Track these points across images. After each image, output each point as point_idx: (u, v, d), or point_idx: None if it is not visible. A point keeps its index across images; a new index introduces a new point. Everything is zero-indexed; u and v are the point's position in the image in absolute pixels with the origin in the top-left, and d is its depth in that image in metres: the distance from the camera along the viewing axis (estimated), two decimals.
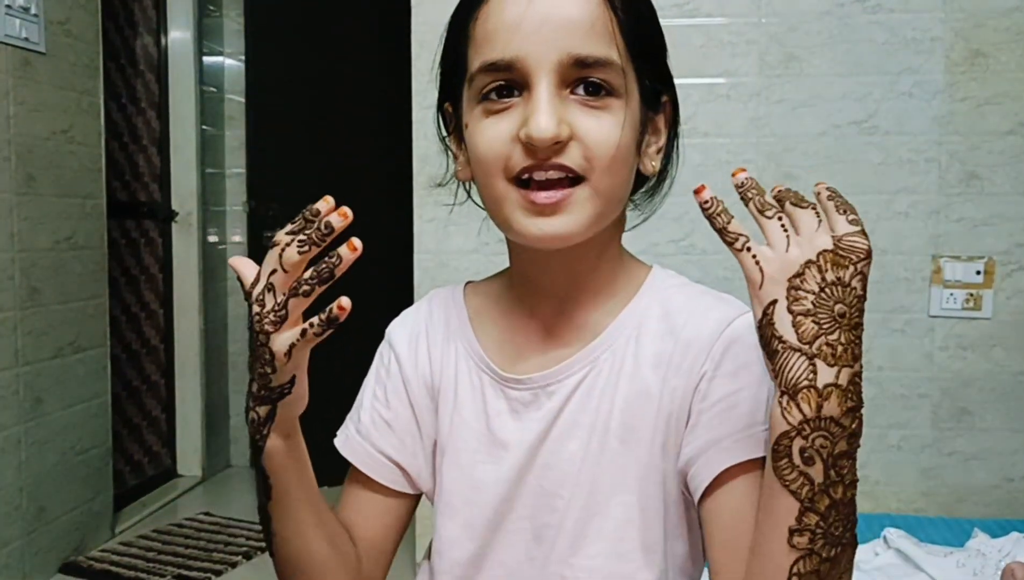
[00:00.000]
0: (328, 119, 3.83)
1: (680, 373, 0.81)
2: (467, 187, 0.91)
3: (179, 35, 3.84)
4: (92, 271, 3.02)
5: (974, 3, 2.26)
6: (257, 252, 4.01)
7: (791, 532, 0.64)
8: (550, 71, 0.75)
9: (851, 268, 0.62)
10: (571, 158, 0.75)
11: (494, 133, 0.77)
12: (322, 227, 0.66)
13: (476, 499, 0.87)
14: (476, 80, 0.78)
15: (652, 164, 0.85)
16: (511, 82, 0.77)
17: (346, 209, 0.66)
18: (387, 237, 2.74)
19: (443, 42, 0.87)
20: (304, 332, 0.68)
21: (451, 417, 0.89)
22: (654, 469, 0.81)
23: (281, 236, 0.68)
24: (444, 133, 0.90)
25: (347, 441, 0.93)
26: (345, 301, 0.65)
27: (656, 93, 0.84)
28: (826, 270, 0.62)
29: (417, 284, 2.40)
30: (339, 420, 0.97)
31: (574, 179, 0.76)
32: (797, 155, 2.31)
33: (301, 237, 0.67)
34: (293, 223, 0.68)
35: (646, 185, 0.89)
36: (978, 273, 2.29)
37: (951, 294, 2.31)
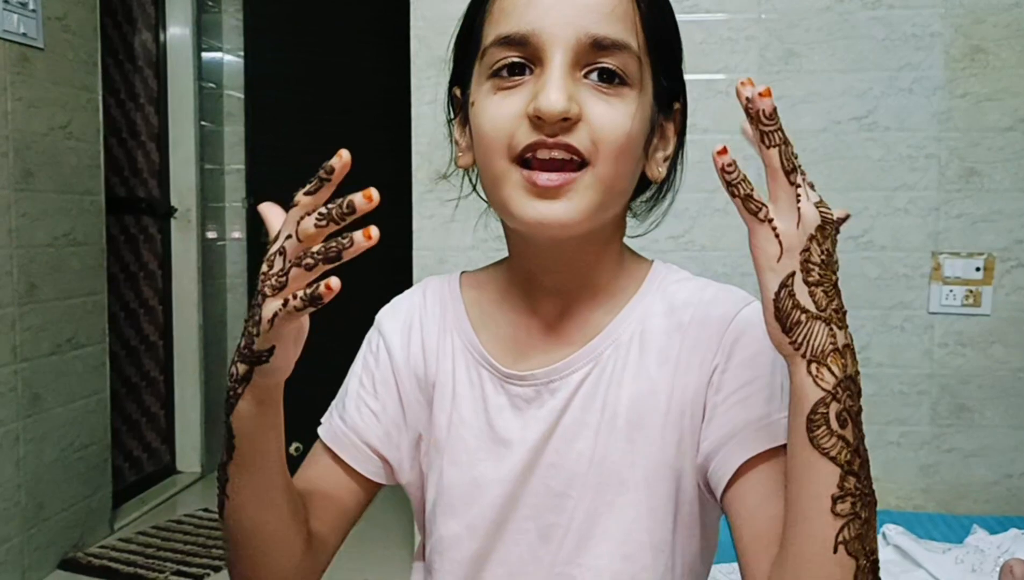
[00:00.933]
0: (327, 115, 3.82)
1: (691, 369, 0.80)
2: (472, 179, 0.89)
3: (178, 31, 3.84)
4: (91, 267, 3.01)
5: None
6: (256, 249, 4.02)
7: (834, 500, 0.63)
8: (566, 48, 0.73)
9: (831, 237, 0.65)
10: (578, 139, 0.73)
11: (501, 110, 0.75)
12: (344, 206, 0.63)
13: (478, 498, 0.85)
14: (488, 54, 0.77)
15: (658, 170, 0.83)
16: (524, 58, 0.75)
17: (373, 191, 0.62)
18: (386, 233, 2.72)
19: (460, 23, 0.85)
20: (286, 302, 0.65)
21: (449, 414, 0.87)
22: (665, 467, 0.80)
23: (299, 197, 0.65)
24: (450, 117, 0.88)
25: (331, 429, 0.91)
26: (334, 281, 0.62)
27: (670, 96, 0.83)
28: (823, 242, 0.64)
29: (416, 280, 2.40)
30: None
31: (579, 164, 0.74)
32: (797, 151, 2.30)
33: (323, 210, 0.64)
34: (310, 183, 0.65)
35: (648, 192, 0.87)
36: (977, 270, 2.29)
37: (950, 291, 2.31)
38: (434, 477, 0.88)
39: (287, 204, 0.68)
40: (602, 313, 0.84)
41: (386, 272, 2.74)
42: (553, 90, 0.72)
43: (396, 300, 0.96)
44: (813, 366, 0.63)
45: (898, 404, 2.34)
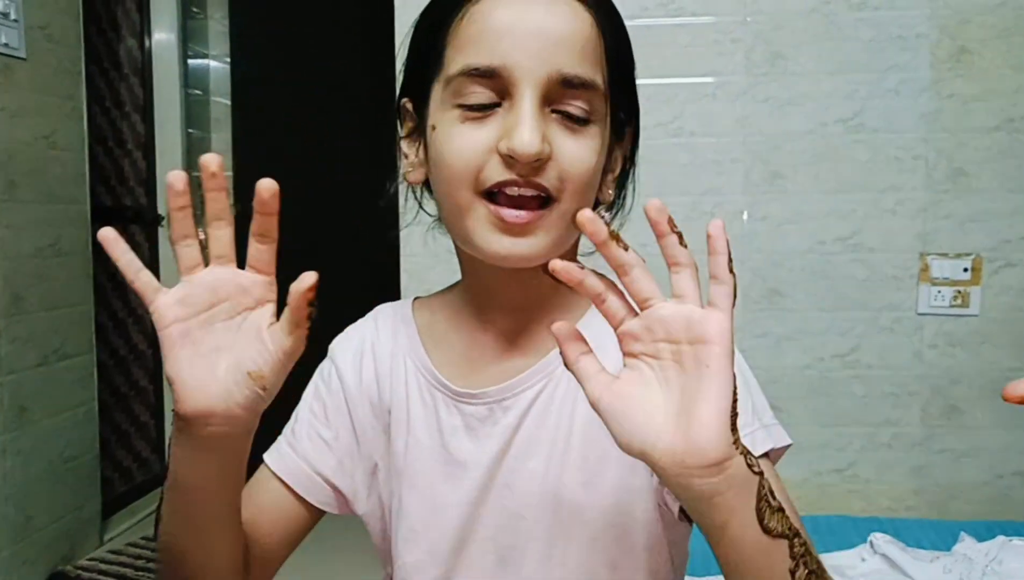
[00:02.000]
0: (315, 120, 3.82)
1: None
2: (416, 195, 0.88)
3: (163, 38, 3.82)
4: (77, 277, 2.99)
5: (959, 0, 2.26)
6: (244, 253, 4.00)
7: (792, 573, 0.62)
8: (536, 85, 0.72)
9: None
10: (547, 178, 0.73)
11: (468, 141, 0.74)
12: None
13: (437, 523, 0.84)
14: (455, 83, 0.74)
15: (608, 192, 0.83)
16: (492, 90, 0.73)
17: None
18: (373, 239, 2.73)
19: (411, 34, 0.83)
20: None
21: (405, 439, 0.86)
22: (622, 485, 0.79)
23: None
24: (400, 132, 0.86)
25: (281, 458, 0.89)
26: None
27: (622, 123, 0.82)
28: None
29: (404, 287, 2.39)
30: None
31: (544, 200, 0.74)
32: (784, 154, 2.31)
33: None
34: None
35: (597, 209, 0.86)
36: (965, 270, 2.29)
37: (939, 291, 2.31)
38: (395, 504, 0.87)
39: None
40: None
41: (374, 278, 2.73)
42: (527, 130, 0.71)
43: (348, 329, 0.95)
44: (747, 456, 0.60)
45: (888, 406, 2.34)
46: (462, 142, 0.74)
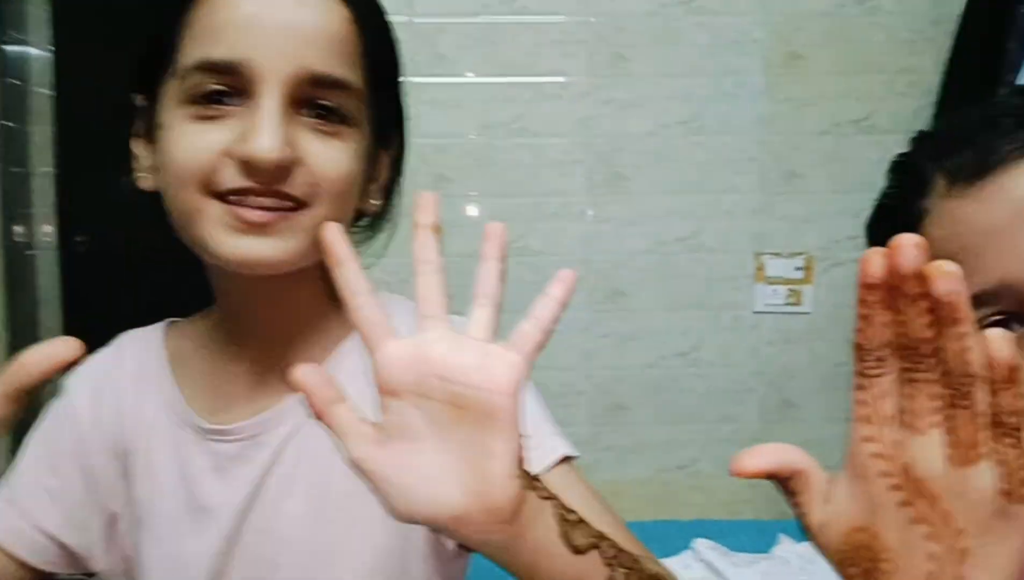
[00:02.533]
0: None
1: None
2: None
3: None
4: None
5: (790, 6, 2.33)
6: (71, 257, 3.78)
7: None
8: (281, 83, 0.65)
9: None
10: (295, 185, 0.66)
11: (199, 142, 0.65)
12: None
13: (181, 577, 0.75)
14: (189, 77, 0.66)
15: (372, 202, 0.77)
16: (231, 87, 0.65)
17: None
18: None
19: (139, 20, 0.74)
20: None
21: (148, 484, 0.77)
22: (389, 523, 0.70)
23: None
24: (131, 131, 0.77)
25: None
26: None
27: (386, 129, 0.77)
28: None
29: None
30: None
31: (293, 207, 0.67)
32: (626, 155, 2.33)
33: None
34: None
35: (363, 220, 0.79)
36: (798, 269, 2.37)
37: (774, 290, 2.38)
38: (138, 558, 0.78)
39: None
40: (314, 354, 0.77)
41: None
42: (267, 135, 0.63)
43: (88, 360, 0.83)
44: (536, 488, 0.56)
45: (728, 402, 2.39)
46: (191, 143, 0.66)
